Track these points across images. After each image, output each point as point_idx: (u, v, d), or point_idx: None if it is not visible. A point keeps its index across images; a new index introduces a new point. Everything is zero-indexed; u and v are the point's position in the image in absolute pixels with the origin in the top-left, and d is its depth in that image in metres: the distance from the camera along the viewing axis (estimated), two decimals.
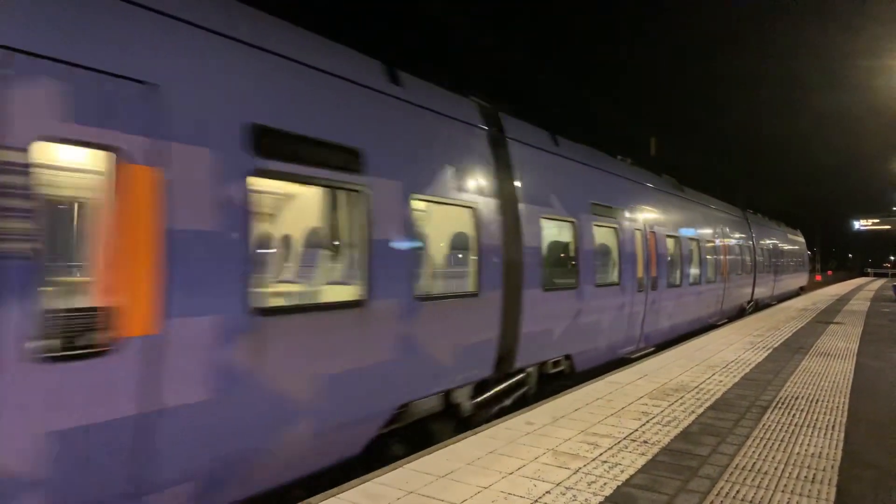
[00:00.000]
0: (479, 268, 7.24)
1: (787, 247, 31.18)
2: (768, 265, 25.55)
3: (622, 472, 5.01)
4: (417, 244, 6.32)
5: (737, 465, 5.21)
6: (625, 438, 5.92)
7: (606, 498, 4.47)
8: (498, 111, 8.57)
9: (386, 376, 5.86)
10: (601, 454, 5.45)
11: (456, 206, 7.09)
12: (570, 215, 9.45)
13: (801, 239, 38.22)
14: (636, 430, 6.23)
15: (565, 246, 9.74)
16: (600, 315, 10.33)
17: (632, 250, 11.52)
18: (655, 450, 5.58)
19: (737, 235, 20.62)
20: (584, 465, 5.15)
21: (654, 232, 12.84)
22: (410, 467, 5.08)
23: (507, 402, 8.18)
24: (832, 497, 4.54)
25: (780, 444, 5.79)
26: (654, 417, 6.70)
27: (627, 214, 11.70)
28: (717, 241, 17.94)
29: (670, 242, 14.08)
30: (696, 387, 8.29)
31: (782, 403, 7.40)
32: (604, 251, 11.04)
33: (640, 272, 11.85)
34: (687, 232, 15.28)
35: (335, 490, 4.57)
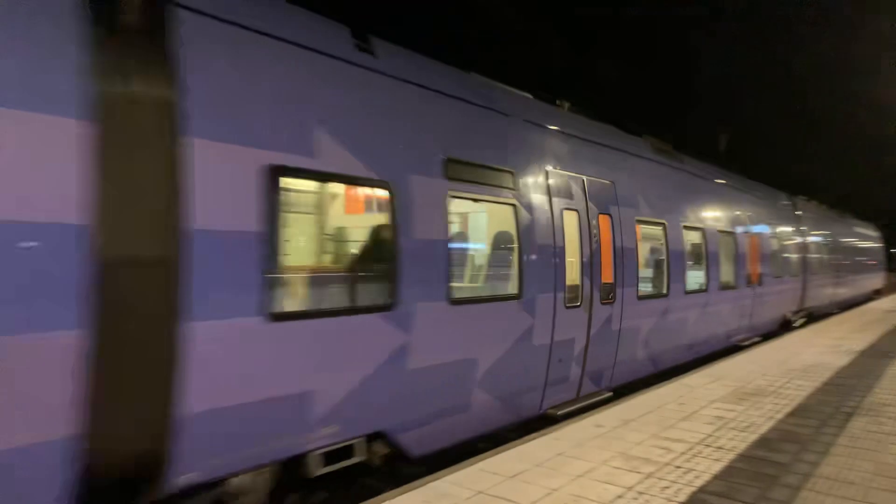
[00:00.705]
0: None
1: (855, 243, 26.19)
2: (826, 265, 20.65)
3: (697, 477, 4.88)
4: None
5: (820, 474, 4.98)
6: (698, 443, 5.75)
7: None
8: None
9: None
10: (674, 459, 5.32)
11: None
12: (376, 174, 5.19)
13: (875, 233, 32.75)
14: (710, 434, 6.04)
15: (368, 233, 5.55)
16: (464, 353, 5.97)
17: (553, 242, 7.10)
18: (731, 456, 5.40)
19: (777, 227, 15.93)
20: (657, 470, 5.04)
21: (609, 215, 8.31)
22: (479, 467, 5.11)
23: None
24: None
25: (867, 453, 5.48)
26: (728, 422, 6.48)
27: (546, 184, 7.19)
28: (742, 234, 13.05)
29: (647, 232, 9.70)
30: (773, 391, 7.95)
31: (870, 410, 7.00)
32: (483, 242, 7.39)
33: (574, 277, 7.51)
34: (682, 218, 10.48)
35: (406, 487, 4.66)
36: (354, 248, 5.63)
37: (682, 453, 5.48)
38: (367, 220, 5.61)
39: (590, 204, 7.97)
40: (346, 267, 5.47)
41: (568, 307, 7.31)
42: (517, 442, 5.86)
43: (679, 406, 7.17)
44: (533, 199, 6.95)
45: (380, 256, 5.33)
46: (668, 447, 5.65)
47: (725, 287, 11.94)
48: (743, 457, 5.39)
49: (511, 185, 6.67)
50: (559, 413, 7.22)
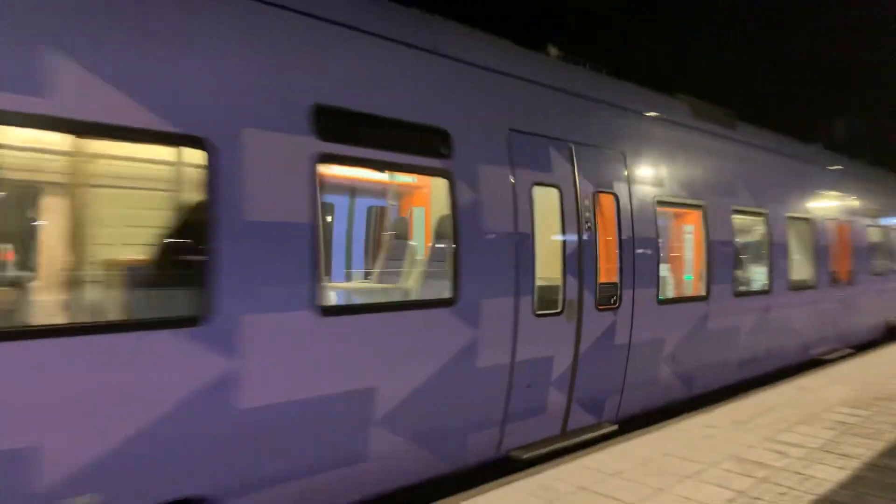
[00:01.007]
0: None
1: None
2: None
3: (817, 485, 4.59)
4: None
5: None
6: (818, 449, 5.41)
7: None
8: None
9: None
10: (791, 464, 5.03)
11: None
12: (177, 125, 3.53)
13: None
14: (831, 440, 5.66)
15: (159, 213, 4.03)
16: (350, 383, 4.24)
17: (515, 228, 5.35)
18: (856, 464, 5.04)
19: (879, 213, 12.99)
20: (772, 475, 4.79)
21: (613, 194, 6.35)
22: (581, 463, 5.06)
23: None
24: None
25: None
26: (852, 427, 6.04)
27: (507, 150, 5.40)
28: (825, 221, 10.48)
29: (675, 217, 8.00)
30: None
31: None
32: (394, 229, 6.05)
33: (550, 275, 5.73)
34: (732, 199, 8.19)
35: (509, 478, 4.70)
36: (131, 236, 3.90)
37: (800, 458, 5.17)
38: (161, 193, 4.00)
39: (580, 179, 5.99)
40: (110, 264, 3.89)
41: (539, 315, 5.49)
42: (619, 439, 5.75)
43: (795, 409, 6.76)
44: (482, 169, 5.16)
45: (178, 248, 3.79)
46: (783, 451, 5.34)
47: (798, 287, 9.44)
48: (871, 465, 5.01)
49: (445, 150, 4.93)
50: (525, 456, 5.37)
